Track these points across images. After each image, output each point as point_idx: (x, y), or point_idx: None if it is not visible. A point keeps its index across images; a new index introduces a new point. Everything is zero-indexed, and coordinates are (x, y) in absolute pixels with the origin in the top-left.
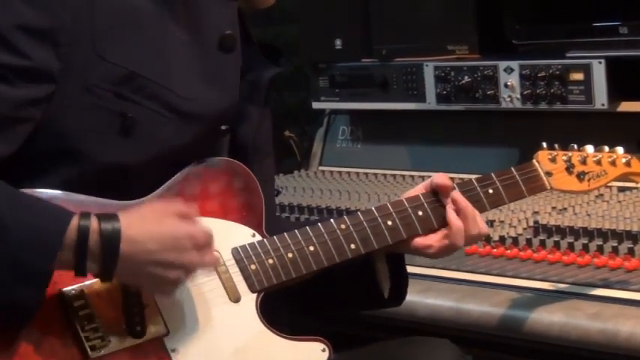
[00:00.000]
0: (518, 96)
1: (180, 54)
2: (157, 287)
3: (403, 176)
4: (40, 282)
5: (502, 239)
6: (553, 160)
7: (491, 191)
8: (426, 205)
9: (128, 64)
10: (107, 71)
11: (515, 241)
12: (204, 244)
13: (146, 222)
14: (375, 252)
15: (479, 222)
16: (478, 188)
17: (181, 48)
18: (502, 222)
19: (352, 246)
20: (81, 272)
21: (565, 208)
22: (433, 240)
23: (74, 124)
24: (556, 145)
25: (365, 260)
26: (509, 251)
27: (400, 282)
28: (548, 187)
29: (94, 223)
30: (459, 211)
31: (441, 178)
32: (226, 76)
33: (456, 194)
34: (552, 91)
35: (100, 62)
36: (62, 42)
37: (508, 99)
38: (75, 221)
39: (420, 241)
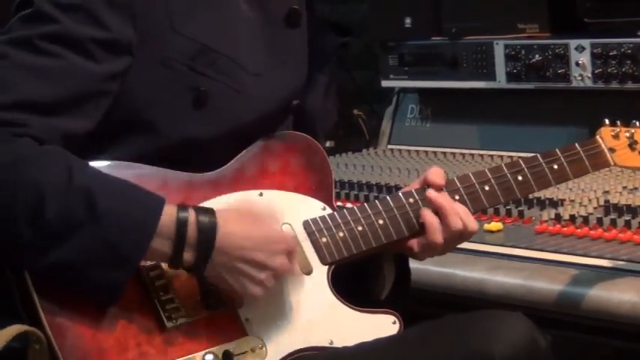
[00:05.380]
0: (590, 75)
1: (248, 30)
2: (245, 287)
3: (472, 155)
4: (130, 268)
5: (572, 218)
6: (616, 136)
7: (556, 167)
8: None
9: (202, 39)
10: (182, 45)
11: (585, 220)
12: (293, 251)
13: (241, 220)
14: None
15: (464, 217)
16: (543, 164)
17: (248, 24)
18: (572, 201)
19: (420, 220)
20: (176, 263)
21: (636, 188)
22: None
23: (148, 97)
24: (618, 122)
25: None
26: (579, 230)
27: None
28: (612, 164)
29: (192, 216)
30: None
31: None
32: (294, 51)
33: (431, 193)
34: (624, 70)
35: (175, 36)
36: (138, 13)
37: (579, 78)
38: (171, 211)
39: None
